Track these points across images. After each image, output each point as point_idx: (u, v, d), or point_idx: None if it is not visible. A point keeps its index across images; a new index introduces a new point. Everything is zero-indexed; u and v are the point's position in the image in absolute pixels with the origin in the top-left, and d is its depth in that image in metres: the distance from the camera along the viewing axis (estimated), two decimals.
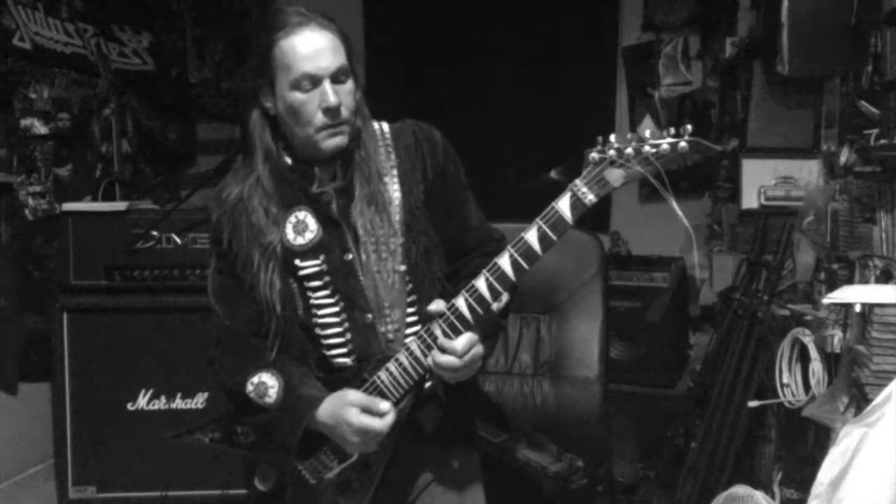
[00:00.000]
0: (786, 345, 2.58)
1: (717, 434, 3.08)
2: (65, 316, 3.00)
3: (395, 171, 1.77)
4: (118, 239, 3.02)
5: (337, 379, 1.75)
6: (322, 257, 1.73)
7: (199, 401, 3.04)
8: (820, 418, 2.22)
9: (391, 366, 1.70)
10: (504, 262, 1.58)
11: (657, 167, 1.47)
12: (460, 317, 1.61)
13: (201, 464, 2.93)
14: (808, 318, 2.57)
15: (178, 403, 3.03)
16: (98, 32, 3.71)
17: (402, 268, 1.73)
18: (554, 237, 1.54)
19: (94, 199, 3.51)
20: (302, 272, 1.73)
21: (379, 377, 1.71)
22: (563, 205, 1.53)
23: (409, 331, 1.75)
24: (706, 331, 4.02)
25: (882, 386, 1.83)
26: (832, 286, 2.45)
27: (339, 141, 1.69)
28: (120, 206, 3.14)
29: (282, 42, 1.64)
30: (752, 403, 2.82)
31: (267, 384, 1.73)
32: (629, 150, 1.47)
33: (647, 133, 1.47)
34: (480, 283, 1.59)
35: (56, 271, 3.20)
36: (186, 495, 3.00)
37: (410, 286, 1.75)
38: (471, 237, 1.84)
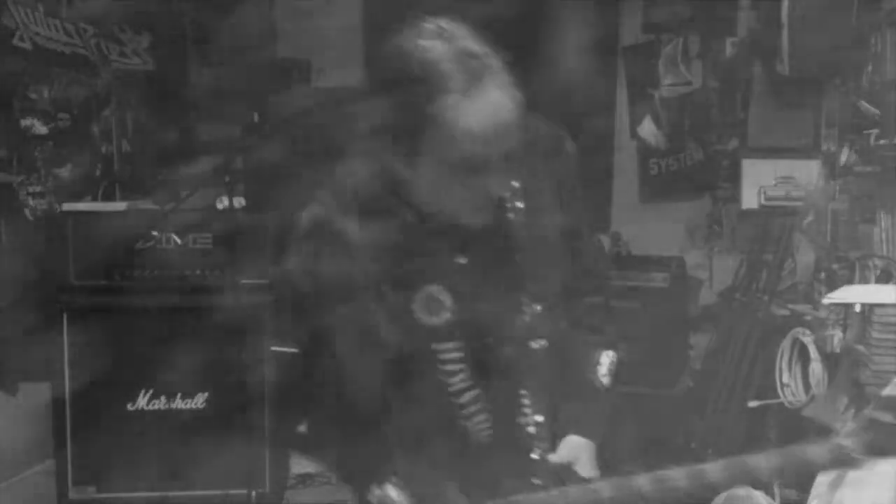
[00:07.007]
0: (786, 345, 2.58)
1: (717, 434, 3.08)
2: (65, 316, 3.00)
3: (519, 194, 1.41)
4: (118, 239, 3.02)
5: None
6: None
7: (199, 401, 3.04)
8: (820, 418, 2.22)
9: None
10: None
11: None
12: None
13: (201, 464, 2.93)
14: (808, 318, 2.57)
15: (178, 403, 3.03)
16: (98, 32, 3.71)
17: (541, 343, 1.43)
18: None
19: (94, 199, 3.51)
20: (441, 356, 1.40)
21: None
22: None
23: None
24: (706, 331, 4.01)
25: (882, 386, 1.83)
26: (832, 286, 2.45)
27: (486, 217, 1.33)
28: (120, 206, 3.15)
29: (442, 102, 1.21)
30: (752, 403, 2.82)
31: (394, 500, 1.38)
32: None
33: None
34: None
35: (56, 271, 3.20)
36: (186, 495, 3.00)
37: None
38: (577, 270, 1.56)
